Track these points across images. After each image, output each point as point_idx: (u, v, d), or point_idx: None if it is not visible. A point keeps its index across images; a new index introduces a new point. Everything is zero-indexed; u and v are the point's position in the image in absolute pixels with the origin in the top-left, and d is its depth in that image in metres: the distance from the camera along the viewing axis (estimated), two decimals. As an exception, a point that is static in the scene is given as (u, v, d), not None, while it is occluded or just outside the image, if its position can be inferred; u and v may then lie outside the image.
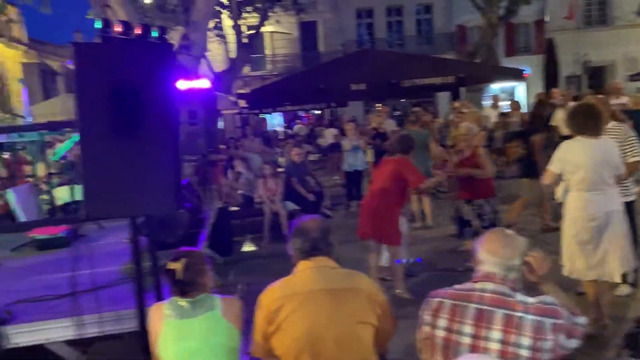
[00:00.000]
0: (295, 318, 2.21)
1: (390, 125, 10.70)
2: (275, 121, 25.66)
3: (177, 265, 2.35)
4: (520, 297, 1.92)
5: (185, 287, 2.38)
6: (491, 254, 1.99)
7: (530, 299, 1.92)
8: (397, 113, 20.81)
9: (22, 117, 5.70)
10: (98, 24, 2.67)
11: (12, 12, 11.47)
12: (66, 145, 5.69)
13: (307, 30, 26.14)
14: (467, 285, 2.04)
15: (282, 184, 8.17)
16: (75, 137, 5.51)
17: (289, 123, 24.69)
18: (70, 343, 3.29)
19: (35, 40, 26.39)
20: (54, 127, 4.13)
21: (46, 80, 26.61)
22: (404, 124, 8.45)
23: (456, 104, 9.39)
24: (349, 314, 2.23)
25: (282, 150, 13.03)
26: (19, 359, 3.74)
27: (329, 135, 13.57)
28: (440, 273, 5.74)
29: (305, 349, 2.19)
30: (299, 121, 24.01)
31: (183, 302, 2.40)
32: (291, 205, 8.08)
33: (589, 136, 3.89)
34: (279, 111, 19.57)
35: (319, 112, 25.02)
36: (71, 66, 2.49)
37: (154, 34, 2.84)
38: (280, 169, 9.36)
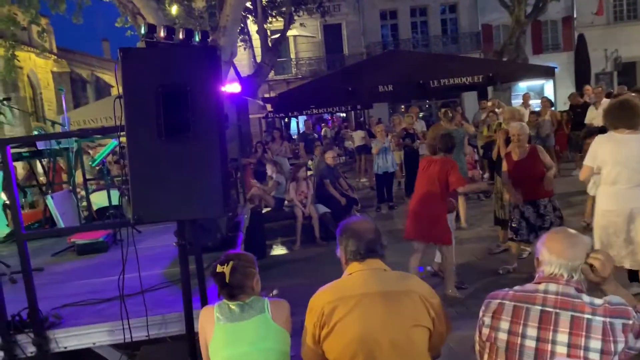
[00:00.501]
0: (349, 321, 2.18)
1: (420, 126, 10.60)
2: (300, 125, 25.70)
3: (225, 269, 2.35)
4: (586, 298, 1.86)
5: (233, 290, 2.37)
6: (555, 254, 1.93)
7: (597, 300, 1.85)
8: (421, 114, 20.66)
9: (60, 124, 5.80)
10: (143, 29, 2.69)
11: (44, 22, 11.71)
12: (104, 151, 5.78)
13: (331, 33, 26.14)
14: (529, 286, 1.98)
15: (314, 186, 8.16)
16: (114, 143, 5.61)
17: (314, 126, 24.73)
18: (117, 347, 3.31)
19: (64, 50, 26.96)
20: (97, 133, 4.16)
21: (76, 88, 27.17)
22: (438, 122, 8.35)
23: (488, 103, 9.26)
24: (404, 317, 2.18)
25: (310, 154, 13.01)
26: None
27: (357, 138, 13.50)
28: (485, 275, 5.70)
29: (360, 353, 2.15)
30: (324, 124, 24.00)
31: (233, 306, 2.40)
32: (322, 208, 8.06)
33: (623, 131, 3.93)
34: (305, 114, 19.58)
35: (344, 114, 25.00)
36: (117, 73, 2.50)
37: (197, 38, 2.86)
38: (310, 172, 9.37)
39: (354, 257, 2.31)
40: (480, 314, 2.04)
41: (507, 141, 5.51)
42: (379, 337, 2.15)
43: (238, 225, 5.46)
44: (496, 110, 9.41)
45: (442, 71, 12.33)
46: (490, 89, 15.57)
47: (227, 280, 2.33)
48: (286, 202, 8.40)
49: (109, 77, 31.57)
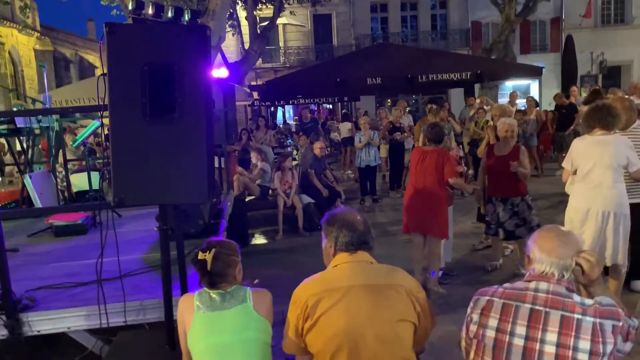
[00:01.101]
0: (334, 314, 2.12)
1: (407, 120, 10.58)
2: (287, 114, 25.57)
3: (207, 256, 2.27)
4: (577, 298, 1.83)
5: (215, 278, 2.31)
6: (547, 252, 1.90)
7: (588, 300, 1.82)
8: (408, 109, 20.62)
9: (41, 102, 5.64)
10: (131, 5, 2.59)
11: (27, -2, 11.47)
12: (86, 131, 5.63)
13: (321, 23, 25.95)
14: (519, 284, 1.94)
15: (298, 177, 8.08)
16: (96, 123, 5.46)
17: (299, 116, 24.62)
18: (93, 332, 3.23)
19: (47, 27, 26.39)
20: (79, 110, 4.04)
21: (59, 68, 26.64)
22: (425, 117, 8.33)
23: (477, 100, 9.26)
24: (390, 311, 2.14)
25: (295, 143, 12.93)
26: (40, 346, 3.70)
27: (344, 129, 13.44)
28: (469, 271, 5.70)
29: (344, 346, 2.10)
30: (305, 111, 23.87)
31: (214, 294, 2.33)
32: (306, 199, 8.00)
33: (597, 132, 4.05)
34: (291, 104, 19.45)
35: (330, 105, 24.90)
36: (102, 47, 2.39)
37: (186, 17, 2.76)
38: (295, 162, 9.28)
39: (346, 248, 2.24)
40: (469, 310, 2.01)
41: (497, 137, 5.50)
42: (364, 331, 2.11)
43: (221, 213, 5.38)
44: (484, 107, 9.41)
45: (430, 66, 12.33)
46: (477, 86, 15.62)
47: (208, 268, 2.26)
48: (270, 191, 8.32)
49: (93, 58, 31.01)
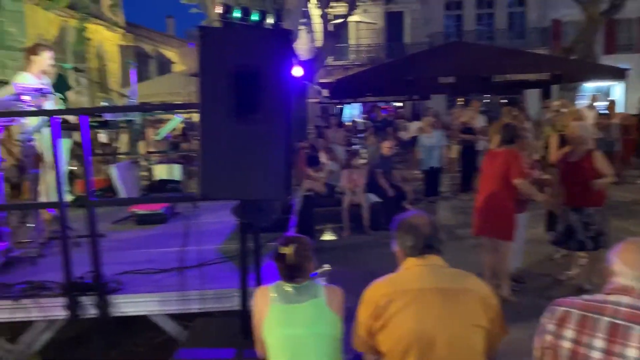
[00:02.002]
0: (405, 315, 2.16)
1: (480, 122, 10.35)
2: (354, 112, 25.57)
3: (288, 250, 2.37)
4: (661, 314, 1.77)
5: (294, 272, 2.40)
6: (630, 266, 1.85)
7: (673, 318, 1.76)
8: (481, 109, 20.12)
9: (127, 96, 6.01)
10: (220, 9, 2.73)
11: (114, -5, 12.17)
12: (169, 126, 5.94)
13: (393, 21, 25.75)
14: (599, 296, 1.90)
15: (366, 175, 8.12)
16: (178, 119, 5.76)
17: (368, 114, 24.57)
18: (172, 316, 3.43)
19: (131, 24, 27.75)
20: (175, 107, 4.29)
21: (139, 62, 27.96)
22: (500, 119, 8.12)
23: (555, 103, 8.92)
24: (462, 316, 2.15)
25: (363, 142, 12.94)
26: (123, 327, 3.97)
27: (413, 128, 13.31)
28: (540, 280, 5.56)
29: (413, 348, 2.14)
30: (364, 115, 23.76)
31: (288, 287, 2.43)
32: (373, 198, 8.03)
33: None
34: (360, 102, 19.45)
35: (401, 104, 24.68)
36: (194, 49, 2.55)
37: (270, 19, 2.88)
38: (362, 161, 9.32)
39: (411, 253, 2.27)
40: (544, 320, 1.98)
41: (563, 143, 5.29)
42: (435, 335, 2.13)
43: (291, 208, 5.51)
44: (563, 110, 9.05)
45: (506, 66, 11.95)
46: (555, 87, 14.99)
47: (288, 262, 2.36)
48: (337, 189, 8.41)
49: (171, 54, 32.31)
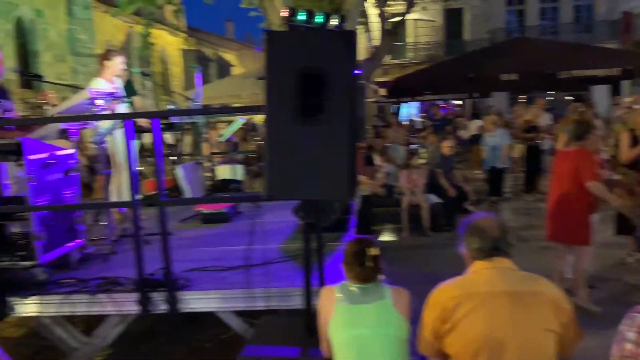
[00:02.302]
0: (474, 319, 2.12)
1: (545, 120, 9.99)
2: (412, 111, 25.26)
3: (370, 251, 2.38)
4: None
5: (369, 274, 2.41)
6: None
7: None
8: (546, 107, 19.44)
9: (192, 100, 6.22)
10: (285, 13, 2.78)
11: (176, 0, 12.57)
12: (232, 127, 6.10)
13: (453, 18, 25.28)
14: (684, 304, 1.81)
15: (426, 175, 8.01)
16: (240, 120, 5.89)
17: (426, 113, 24.23)
18: (238, 313, 3.52)
19: (192, 28, 28.61)
20: (239, 110, 4.41)
21: (200, 66, 28.82)
22: (566, 117, 7.84)
23: (626, 99, 8.49)
24: (533, 320, 2.09)
25: (422, 141, 12.77)
26: (190, 323, 4.11)
27: (473, 127, 13.01)
28: (613, 285, 5.33)
29: (483, 353, 2.10)
30: (423, 113, 23.38)
31: (354, 288, 2.44)
32: (433, 199, 7.91)
33: None
34: (417, 100, 19.17)
35: (460, 102, 24.18)
36: (261, 53, 2.61)
37: (334, 21, 2.90)
38: (422, 160, 9.20)
39: (478, 256, 2.23)
40: (623, 327, 1.90)
41: (635, 142, 5.02)
42: (505, 339, 2.08)
43: (350, 209, 5.52)
44: (635, 107, 8.60)
45: (572, 61, 11.51)
46: (626, 83, 14.25)
47: (366, 263, 2.37)
48: (396, 189, 8.34)
49: (230, 57, 33.10)
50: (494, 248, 2.23)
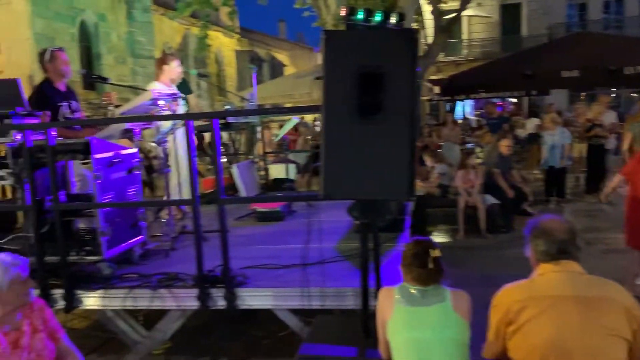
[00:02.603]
0: (540, 324, 2.07)
1: (609, 118, 9.56)
2: (466, 109, 24.74)
3: (437, 253, 2.35)
4: None
5: (432, 276, 2.37)
6: None
7: None
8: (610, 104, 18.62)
9: (247, 100, 6.34)
10: (344, 12, 2.77)
11: (231, 2, 12.81)
12: (286, 127, 6.16)
13: (509, 13, 24.60)
14: None
15: (482, 175, 7.81)
16: (295, 120, 5.93)
17: (481, 111, 23.67)
18: (294, 312, 3.54)
19: (245, 29, 29.10)
20: (295, 111, 4.45)
21: (256, 66, 29.26)
22: (633, 114, 7.48)
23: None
24: (602, 326, 2.01)
25: (477, 140, 12.49)
26: (246, 319, 4.17)
27: (531, 125, 12.62)
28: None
29: (549, 358, 2.03)
30: (481, 110, 22.80)
31: (413, 290, 2.40)
32: (490, 199, 7.71)
33: None
34: (473, 98, 18.74)
35: (515, 99, 23.49)
36: (318, 54, 2.61)
37: (394, 19, 2.87)
38: (478, 160, 8.99)
39: (544, 258, 2.18)
40: None
41: None
42: (572, 345, 2.01)
43: (405, 209, 5.45)
44: None
45: (639, 56, 10.93)
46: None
47: (428, 265, 2.33)
48: (451, 189, 8.18)
49: (282, 57, 33.45)
50: (561, 251, 2.16)
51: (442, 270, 2.38)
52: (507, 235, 7.33)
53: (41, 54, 4.68)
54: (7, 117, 3.72)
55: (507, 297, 2.18)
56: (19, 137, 3.67)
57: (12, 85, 4.03)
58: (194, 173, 3.48)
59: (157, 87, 5.07)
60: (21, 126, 3.65)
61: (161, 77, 5.35)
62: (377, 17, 2.82)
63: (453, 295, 2.40)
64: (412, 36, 2.59)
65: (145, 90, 4.97)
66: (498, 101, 22.71)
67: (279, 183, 6.61)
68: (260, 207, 5.51)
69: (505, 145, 8.06)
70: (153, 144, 4.69)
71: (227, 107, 6.50)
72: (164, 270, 3.83)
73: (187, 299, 3.50)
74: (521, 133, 14.40)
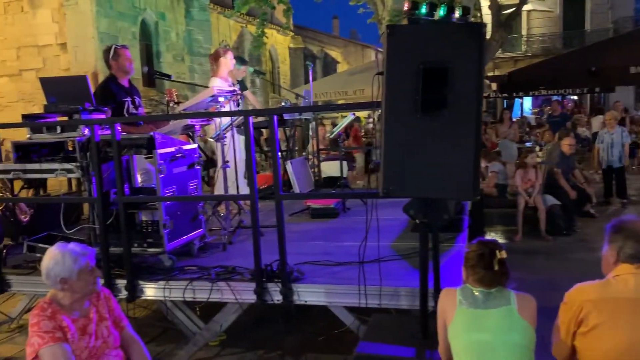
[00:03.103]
0: (615, 326, 2.00)
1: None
2: (525, 106, 23.99)
3: (504, 255, 2.28)
4: None
5: (497, 278, 2.30)
6: None
7: None
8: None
9: (302, 97, 6.36)
10: (403, 6, 2.71)
11: (287, 0, 12.92)
12: (341, 124, 6.14)
13: (572, 7, 23.65)
14: None
15: (543, 175, 7.53)
16: (350, 117, 5.91)
17: (541, 108, 22.88)
18: (350, 309, 3.52)
19: (299, 27, 29.28)
20: (352, 107, 4.44)
21: (312, 64, 29.43)
22: None
23: None
24: None
25: (537, 139, 12.09)
26: (301, 314, 4.18)
27: (595, 123, 12.10)
28: None
29: (623, 361, 1.95)
30: (548, 107, 22.02)
31: (476, 292, 2.33)
32: (551, 200, 7.42)
33: None
34: (532, 95, 18.14)
35: (576, 97, 22.59)
36: (380, 50, 2.58)
37: (458, 13, 2.79)
38: (538, 159, 8.68)
39: (630, 260, 2.11)
40: None
41: None
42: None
43: (463, 209, 5.33)
44: None
45: None
46: None
47: (495, 267, 2.26)
48: (509, 189, 7.94)
49: (335, 54, 33.44)
50: None
51: (508, 272, 2.30)
52: (569, 238, 7.05)
53: (106, 51, 4.85)
54: (76, 112, 3.87)
55: (580, 295, 2.13)
56: (86, 131, 3.81)
57: (81, 81, 4.20)
58: (253, 169, 3.51)
59: (217, 84, 5.15)
60: (89, 121, 3.79)
61: (218, 72, 5.43)
62: (441, 12, 2.75)
63: (518, 298, 2.31)
64: (479, 30, 2.52)
65: (206, 87, 5.06)
66: (557, 99, 21.91)
67: (333, 180, 6.60)
68: (315, 204, 5.52)
69: (567, 144, 7.74)
70: (211, 140, 4.78)
71: (283, 103, 6.53)
72: (222, 264, 3.89)
73: (244, 293, 3.55)
74: (583, 132, 13.84)
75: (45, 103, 4.12)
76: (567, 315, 2.15)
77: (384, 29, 2.83)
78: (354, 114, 6.78)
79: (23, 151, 4.11)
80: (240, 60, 6.19)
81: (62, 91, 4.16)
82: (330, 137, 6.48)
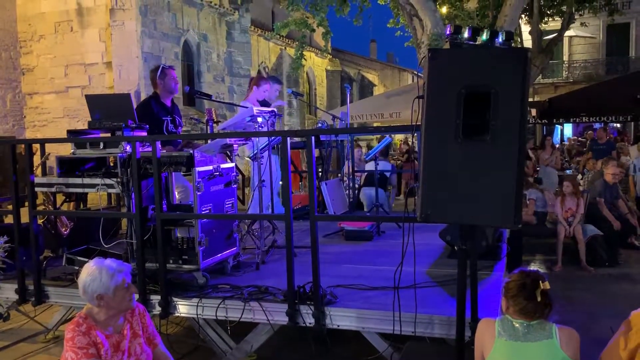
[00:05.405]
0: None
1: None
2: (566, 133, 23.49)
3: (547, 286, 2.21)
4: None
5: (540, 309, 2.22)
6: None
7: None
8: None
9: (339, 118, 6.40)
10: (449, 30, 2.69)
11: (326, 23, 13.07)
12: (378, 147, 6.13)
13: (616, 34, 23.17)
14: None
15: (585, 204, 7.30)
16: (388, 140, 5.88)
17: (582, 135, 22.34)
18: (384, 336, 3.44)
19: (336, 49, 29.58)
20: (392, 130, 4.41)
21: (343, 85, 29.64)
22: None
23: None
24: None
25: (578, 166, 11.78)
26: (333, 337, 4.11)
27: (633, 152, 11.74)
28: None
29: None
30: (589, 132, 21.46)
31: (517, 324, 2.25)
32: (592, 230, 7.18)
33: None
34: (572, 122, 17.74)
35: (618, 125, 21.98)
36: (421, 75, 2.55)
37: (501, 38, 2.75)
38: (580, 187, 8.43)
39: None
40: None
41: None
42: None
43: (501, 236, 5.20)
44: None
45: None
46: None
47: (538, 298, 2.19)
48: (549, 218, 7.72)
49: (372, 77, 33.58)
50: None
51: (551, 304, 2.22)
52: (611, 270, 6.79)
53: (153, 70, 4.98)
54: (119, 129, 3.97)
55: None
56: (128, 148, 3.90)
57: (124, 99, 4.31)
58: (289, 189, 3.51)
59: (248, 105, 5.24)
60: (131, 138, 3.87)
61: (249, 96, 5.54)
62: (484, 36, 2.72)
63: (561, 332, 2.22)
64: (524, 55, 2.46)
65: (245, 107, 5.13)
66: (598, 126, 21.36)
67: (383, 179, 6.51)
68: (349, 226, 5.48)
69: (611, 173, 7.50)
70: (248, 160, 4.82)
71: (320, 124, 6.56)
72: (254, 283, 3.88)
73: (276, 314, 3.52)
74: (627, 160, 13.41)
75: (90, 119, 4.23)
76: (634, 342, 2.06)
77: (422, 53, 2.82)
78: (390, 137, 6.76)
79: (66, 166, 4.22)
80: (274, 80, 6.28)
81: (106, 108, 4.28)
82: (367, 159, 6.47)
